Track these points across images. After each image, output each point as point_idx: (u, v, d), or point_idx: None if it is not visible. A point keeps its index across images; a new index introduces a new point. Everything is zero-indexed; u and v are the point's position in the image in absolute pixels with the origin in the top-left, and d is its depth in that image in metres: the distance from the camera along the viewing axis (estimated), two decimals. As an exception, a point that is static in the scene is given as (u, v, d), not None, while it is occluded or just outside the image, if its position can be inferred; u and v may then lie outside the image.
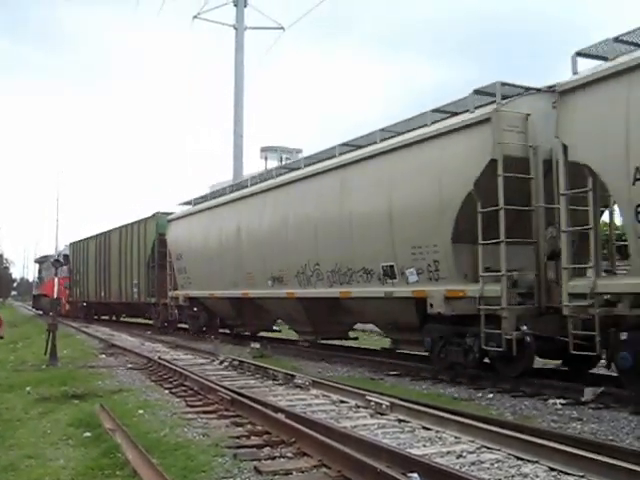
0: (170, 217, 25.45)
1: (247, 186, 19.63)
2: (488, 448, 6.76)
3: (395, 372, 13.31)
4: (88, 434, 7.71)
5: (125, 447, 6.76)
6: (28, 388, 11.24)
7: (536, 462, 6.17)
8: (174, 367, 13.19)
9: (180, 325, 25.68)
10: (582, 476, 5.73)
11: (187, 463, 6.27)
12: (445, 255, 11.99)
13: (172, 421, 8.35)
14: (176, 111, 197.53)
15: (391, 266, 13.23)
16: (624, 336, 9.19)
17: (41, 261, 57.76)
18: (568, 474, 5.82)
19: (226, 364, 14.69)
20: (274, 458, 6.49)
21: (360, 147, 14.89)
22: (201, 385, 10.87)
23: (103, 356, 17.21)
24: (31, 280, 79.17)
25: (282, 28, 35.75)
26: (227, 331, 23.24)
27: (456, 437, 7.31)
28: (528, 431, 7.05)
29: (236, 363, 14.45)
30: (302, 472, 6.02)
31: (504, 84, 11.48)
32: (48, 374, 13.21)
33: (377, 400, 9.05)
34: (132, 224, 30.03)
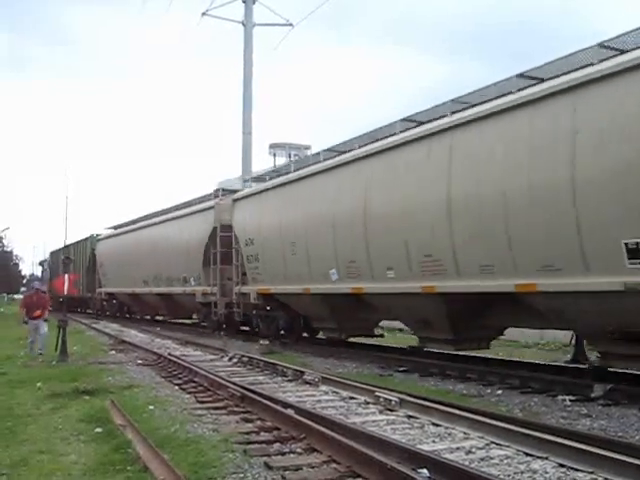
0: (99, 237, 37.73)
1: (139, 221, 31.79)
2: (497, 444, 6.77)
3: (404, 368, 13.33)
4: (99, 430, 7.75)
5: (136, 442, 6.79)
6: (39, 384, 11.29)
7: (546, 458, 6.18)
8: (184, 363, 13.24)
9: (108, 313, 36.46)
10: (591, 472, 5.73)
11: (198, 458, 6.30)
12: (200, 272, 23.37)
13: (182, 417, 8.39)
14: (184, 108, 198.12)
15: (185, 276, 24.81)
16: (255, 312, 20.14)
17: (42, 263, 65.62)
18: (577, 470, 5.82)
19: (235, 360, 14.75)
20: (284, 454, 6.52)
21: (175, 210, 27.42)
22: (211, 381, 10.91)
23: (113, 352, 17.29)
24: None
25: (291, 25, 35.68)
26: (137, 316, 34.17)
27: (465, 433, 7.32)
28: (537, 427, 7.05)
29: (245, 359, 14.50)
30: (312, 467, 6.04)
31: (224, 190, 23.22)
32: (58, 370, 13.28)
33: (386, 396, 9.07)
34: (80, 241, 42.52)
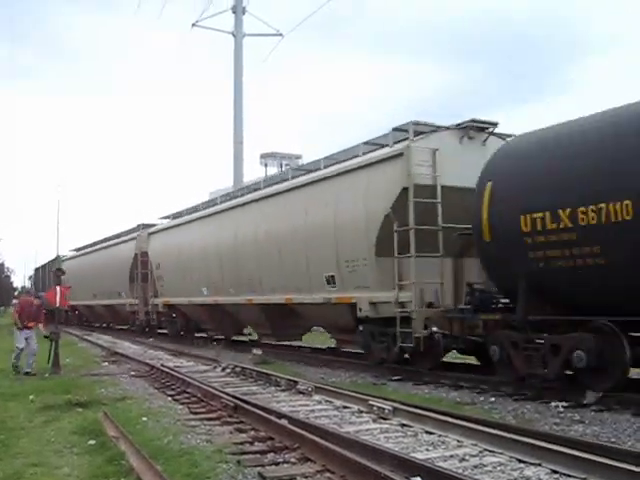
0: (64, 258, 44.35)
1: (93, 245, 38.62)
2: (491, 451, 6.80)
3: (397, 377, 13.32)
4: (92, 442, 7.73)
5: (129, 454, 6.78)
6: (31, 396, 11.25)
7: (539, 465, 6.21)
8: (177, 374, 13.22)
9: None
10: (584, 478, 5.77)
11: (191, 469, 6.30)
12: (127, 288, 29.94)
13: (176, 428, 8.38)
14: (176, 118, 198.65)
15: (119, 291, 31.08)
16: (163, 318, 27.08)
17: (31, 277, 72.15)
18: (570, 476, 5.86)
19: (228, 371, 14.73)
20: (278, 464, 6.53)
21: (114, 238, 34.36)
22: (204, 392, 10.89)
23: (106, 364, 17.24)
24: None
25: (280, 35, 35.89)
26: (96, 324, 40.86)
27: (459, 441, 7.34)
28: (530, 434, 7.08)
29: (238, 370, 14.48)
30: (306, 477, 6.05)
31: (144, 225, 29.51)
32: (51, 382, 13.23)
33: (380, 405, 9.08)
34: (50, 261, 50.33)
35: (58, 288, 16.54)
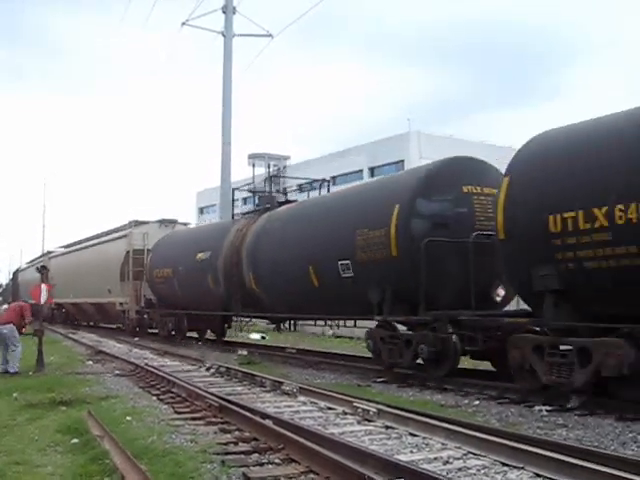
0: (20, 269, 60.57)
1: (28, 263, 54.27)
2: (474, 454, 6.82)
3: (382, 379, 13.35)
4: (76, 440, 7.70)
5: (113, 453, 6.76)
6: (15, 394, 11.19)
7: (522, 468, 6.23)
8: (161, 374, 13.17)
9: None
10: (567, 482, 5.80)
11: (175, 469, 6.28)
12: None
13: (160, 427, 8.35)
14: (164, 118, 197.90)
15: None
16: (55, 311, 41.23)
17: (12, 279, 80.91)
18: (553, 480, 5.88)
19: (213, 371, 14.69)
20: (262, 464, 6.51)
21: (38, 259, 51.22)
22: (189, 392, 10.86)
23: (90, 362, 17.16)
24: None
25: (270, 35, 35.83)
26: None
27: (443, 443, 7.36)
28: (514, 437, 7.10)
29: (223, 370, 14.45)
30: (290, 478, 6.04)
31: (49, 251, 48.48)
32: (35, 380, 13.16)
33: (364, 407, 9.10)
34: (15, 271, 65.50)
35: (43, 285, 16.40)
